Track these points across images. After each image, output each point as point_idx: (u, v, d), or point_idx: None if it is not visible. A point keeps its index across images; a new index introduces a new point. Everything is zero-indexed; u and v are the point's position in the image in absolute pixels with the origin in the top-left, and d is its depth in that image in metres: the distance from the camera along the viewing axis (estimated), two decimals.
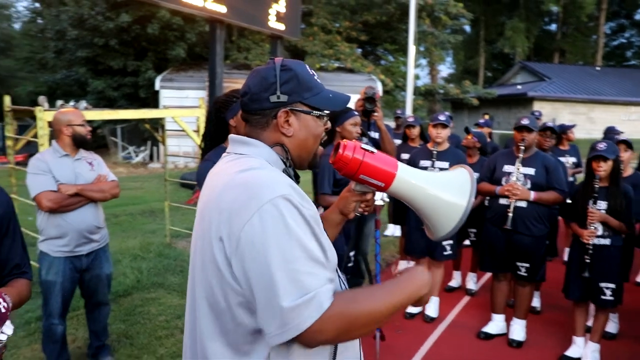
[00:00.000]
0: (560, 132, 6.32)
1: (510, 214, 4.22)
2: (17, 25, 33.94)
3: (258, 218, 1.20)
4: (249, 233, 1.21)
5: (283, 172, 1.38)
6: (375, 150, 1.53)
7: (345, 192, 1.72)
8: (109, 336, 4.06)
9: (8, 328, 1.55)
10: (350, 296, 1.25)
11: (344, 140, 1.53)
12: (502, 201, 4.30)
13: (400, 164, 1.55)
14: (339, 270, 1.52)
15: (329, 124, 1.51)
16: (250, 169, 1.31)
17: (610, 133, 6.58)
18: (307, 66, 1.47)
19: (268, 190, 1.23)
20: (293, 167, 1.45)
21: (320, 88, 1.45)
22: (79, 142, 3.59)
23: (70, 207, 3.48)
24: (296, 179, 1.45)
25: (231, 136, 1.48)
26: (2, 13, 34.12)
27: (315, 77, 1.46)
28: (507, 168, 4.35)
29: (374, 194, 1.71)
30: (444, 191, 1.53)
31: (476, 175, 4.92)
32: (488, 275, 5.86)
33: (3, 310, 1.54)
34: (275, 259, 1.18)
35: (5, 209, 1.88)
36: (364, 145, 1.52)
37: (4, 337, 1.53)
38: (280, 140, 1.42)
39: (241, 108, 1.46)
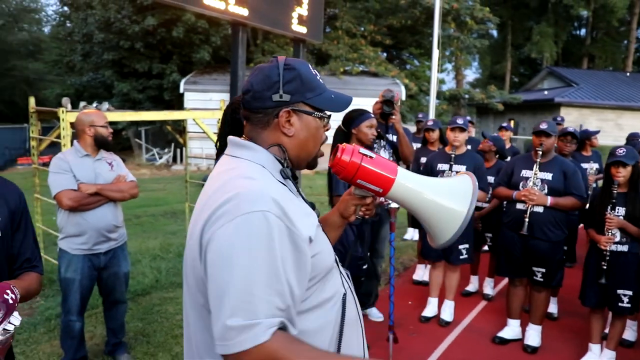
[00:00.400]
0: (584, 138, 6.23)
1: (527, 219, 4.18)
2: (46, 29, 34.68)
3: (233, 227, 1.19)
4: (220, 239, 1.20)
5: (280, 172, 1.38)
6: (374, 155, 1.51)
7: (346, 196, 1.71)
8: (125, 334, 4.13)
9: (16, 319, 1.60)
10: (291, 343, 1.19)
11: (343, 144, 1.52)
12: (519, 206, 4.27)
13: (400, 169, 1.53)
14: (341, 267, 1.53)
15: (329, 126, 1.50)
16: (241, 177, 1.30)
17: (633, 139, 6.48)
18: (310, 66, 1.46)
19: (251, 202, 1.21)
20: (290, 167, 1.44)
21: (322, 89, 1.44)
22: (100, 143, 3.68)
23: (90, 206, 3.56)
24: (294, 179, 1.45)
25: (230, 138, 1.47)
26: (32, 17, 34.87)
27: (318, 77, 1.45)
28: (524, 173, 4.32)
29: (374, 199, 1.67)
30: (445, 198, 1.50)
31: (492, 179, 4.94)
32: (506, 280, 5.80)
33: (11, 302, 1.59)
34: (235, 274, 1.16)
35: (17, 204, 1.94)
36: (362, 150, 1.50)
37: (11, 327, 1.58)
38: (279, 140, 1.40)
39: (242, 105, 1.46)
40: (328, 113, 1.46)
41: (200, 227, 1.26)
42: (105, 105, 5.70)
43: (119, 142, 19.78)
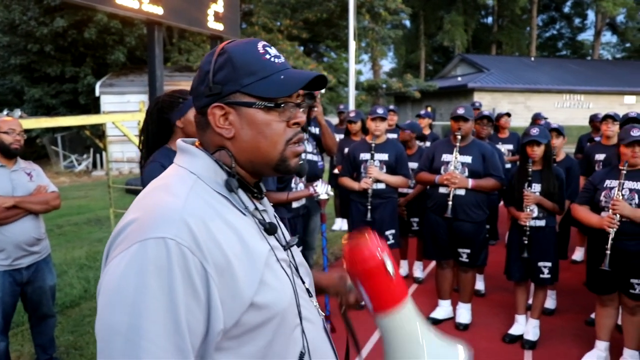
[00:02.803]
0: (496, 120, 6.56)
1: (450, 202, 4.36)
2: None
3: (127, 257, 0.92)
4: (110, 272, 0.95)
5: (225, 184, 1.09)
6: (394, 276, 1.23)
7: (337, 280, 1.47)
8: (56, 349, 3.97)
9: None
10: None
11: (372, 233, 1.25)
12: (442, 190, 4.43)
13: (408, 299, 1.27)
14: (312, 314, 1.23)
15: (301, 118, 1.14)
16: (161, 191, 1.04)
17: (537, 119, 6.96)
18: (260, 44, 1.13)
19: (152, 226, 0.94)
20: (239, 177, 1.13)
21: (269, 70, 1.09)
22: (3, 151, 3.46)
23: (8, 220, 3.39)
24: (255, 191, 1.18)
25: (177, 142, 1.18)
26: None
27: (268, 57, 1.11)
28: (445, 157, 4.49)
29: (356, 305, 1.43)
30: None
31: (414, 165, 5.12)
32: (434, 263, 6.02)
33: None
34: (118, 319, 0.89)
35: None
36: (389, 264, 1.22)
37: None
38: (222, 144, 1.12)
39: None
40: (281, 99, 1.09)
41: (105, 255, 1.02)
42: (18, 112, 5.44)
43: (34, 150, 18.83)
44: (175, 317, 0.90)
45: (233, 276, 0.98)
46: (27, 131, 3.66)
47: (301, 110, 1.14)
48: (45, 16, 16.83)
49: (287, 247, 1.19)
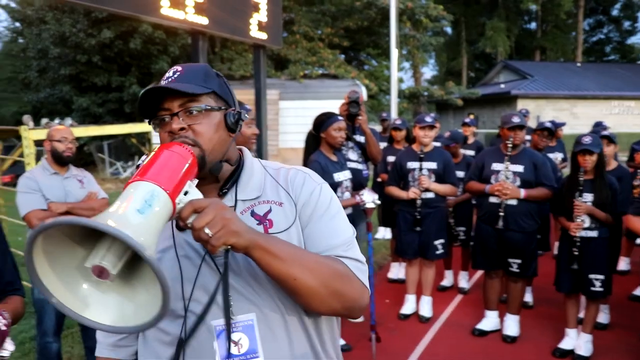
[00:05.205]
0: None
1: (502, 213, 4.26)
2: None
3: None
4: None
5: None
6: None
7: None
8: None
9: (10, 344, 1.56)
10: None
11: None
12: (493, 200, 4.34)
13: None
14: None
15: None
16: None
17: (597, 127, 6.74)
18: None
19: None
20: None
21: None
22: (56, 158, 3.57)
23: None
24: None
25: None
26: None
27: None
28: (495, 166, 4.40)
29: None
30: None
31: (462, 173, 5.04)
32: (479, 272, 5.90)
33: (4, 328, 1.55)
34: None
35: None
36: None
37: (6, 354, 1.54)
38: None
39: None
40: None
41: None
42: (69, 121, 5.60)
43: (81, 157, 19.35)
44: None
45: None
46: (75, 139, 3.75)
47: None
48: (93, 28, 17.32)
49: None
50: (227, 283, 1.18)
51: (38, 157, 3.97)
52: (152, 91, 1.21)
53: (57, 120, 5.74)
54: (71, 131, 3.71)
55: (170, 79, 1.26)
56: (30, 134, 4.76)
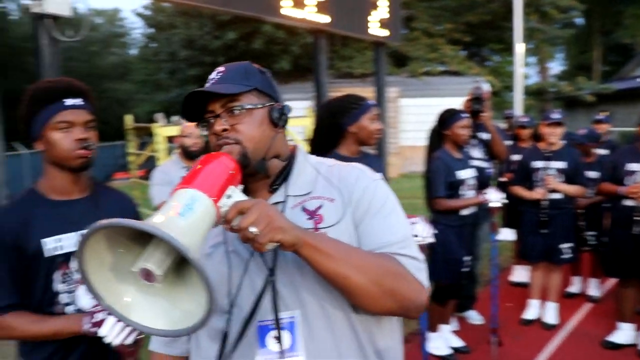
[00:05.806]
0: None
1: (638, 217, 3.95)
2: (134, 51, 36.46)
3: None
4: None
5: None
6: None
7: None
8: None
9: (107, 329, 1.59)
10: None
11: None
12: (627, 202, 4.04)
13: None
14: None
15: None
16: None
17: None
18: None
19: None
20: None
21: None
22: (185, 153, 3.79)
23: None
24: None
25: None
26: (120, 41, 36.88)
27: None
28: (630, 166, 4.09)
29: None
30: None
31: (595, 174, 4.71)
32: (611, 280, 5.48)
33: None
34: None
35: (135, 216, 2.03)
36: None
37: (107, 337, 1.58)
38: None
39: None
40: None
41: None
42: None
43: (207, 151, 20.57)
44: None
45: None
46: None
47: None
48: (218, 30, 18.27)
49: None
50: (274, 281, 1.19)
51: (169, 153, 4.23)
52: (194, 94, 1.25)
53: (178, 117, 6.11)
54: (193, 127, 3.93)
55: (213, 80, 1.31)
56: (161, 130, 5.09)
